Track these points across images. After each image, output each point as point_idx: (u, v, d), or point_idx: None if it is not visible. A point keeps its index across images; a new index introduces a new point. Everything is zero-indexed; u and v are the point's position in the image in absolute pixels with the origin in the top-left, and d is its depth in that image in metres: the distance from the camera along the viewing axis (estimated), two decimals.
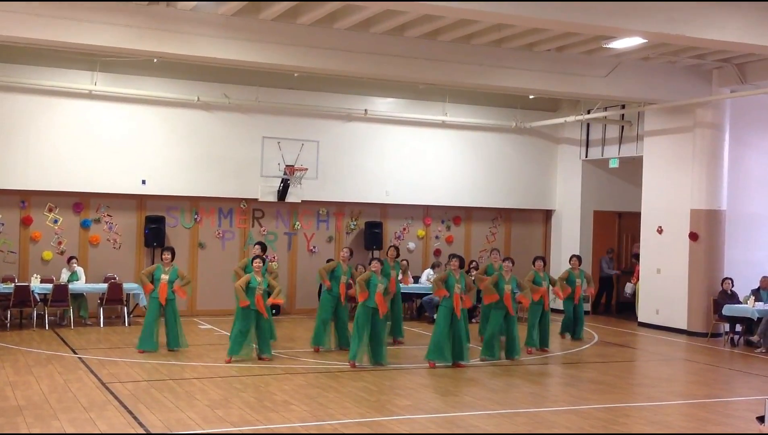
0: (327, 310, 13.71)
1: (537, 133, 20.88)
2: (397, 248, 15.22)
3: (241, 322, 12.44)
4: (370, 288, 12.29)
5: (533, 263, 14.97)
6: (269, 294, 12.65)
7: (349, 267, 13.90)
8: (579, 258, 16.02)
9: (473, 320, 16.08)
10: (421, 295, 18.11)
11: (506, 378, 11.98)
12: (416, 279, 18.09)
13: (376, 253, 18.40)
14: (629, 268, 20.98)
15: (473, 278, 14.59)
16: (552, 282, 15.28)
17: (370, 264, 12.86)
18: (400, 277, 14.67)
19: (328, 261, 14.46)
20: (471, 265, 17.78)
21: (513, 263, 13.63)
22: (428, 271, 18.52)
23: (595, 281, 20.72)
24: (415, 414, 9.42)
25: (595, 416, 9.53)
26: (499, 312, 13.22)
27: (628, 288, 19.51)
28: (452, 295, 12.38)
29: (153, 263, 13.40)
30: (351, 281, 13.67)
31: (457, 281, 12.44)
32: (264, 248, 13.90)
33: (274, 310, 17.59)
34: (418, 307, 18.50)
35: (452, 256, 12.95)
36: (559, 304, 16.60)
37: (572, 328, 15.81)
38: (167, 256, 13.26)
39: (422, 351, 12.95)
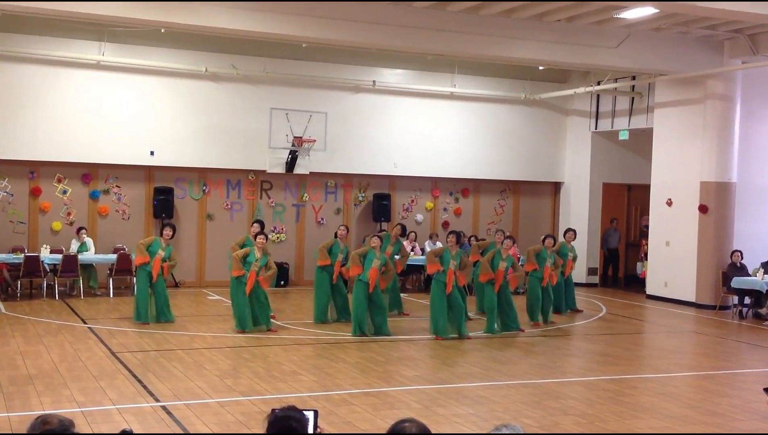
0: (324, 287, 13.64)
1: (546, 105, 20.75)
2: (403, 227, 15.15)
3: (235, 297, 12.49)
4: (366, 263, 12.27)
5: (543, 241, 14.80)
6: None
7: (345, 246, 13.76)
8: (574, 232, 15.90)
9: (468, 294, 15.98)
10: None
11: (513, 350, 12.02)
12: (422, 251, 18.09)
13: (385, 226, 18.47)
14: (636, 240, 20.91)
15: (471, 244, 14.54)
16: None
17: (370, 238, 12.73)
18: (396, 256, 14.52)
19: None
20: (469, 238, 17.77)
21: (514, 242, 13.51)
22: (428, 242, 18.57)
23: (601, 254, 20.71)
24: (422, 384, 9.47)
25: (602, 387, 9.56)
26: (493, 288, 13.12)
27: (639, 268, 19.42)
28: (446, 271, 12.35)
29: (161, 235, 13.37)
30: (346, 260, 13.56)
31: (452, 257, 12.40)
32: (262, 226, 13.95)
33: (282, 282, 17.72)
34: (425, 279, 18.50)
35: (450, 232, 12.92)
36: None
37: (560, 303, 15.25)
38: (168, 232, 13.23)
39: (429, 323, 12.96)
